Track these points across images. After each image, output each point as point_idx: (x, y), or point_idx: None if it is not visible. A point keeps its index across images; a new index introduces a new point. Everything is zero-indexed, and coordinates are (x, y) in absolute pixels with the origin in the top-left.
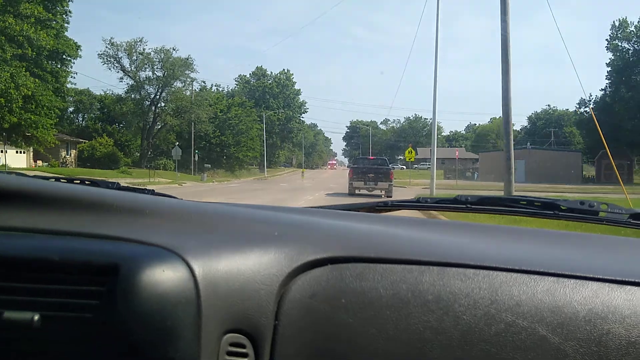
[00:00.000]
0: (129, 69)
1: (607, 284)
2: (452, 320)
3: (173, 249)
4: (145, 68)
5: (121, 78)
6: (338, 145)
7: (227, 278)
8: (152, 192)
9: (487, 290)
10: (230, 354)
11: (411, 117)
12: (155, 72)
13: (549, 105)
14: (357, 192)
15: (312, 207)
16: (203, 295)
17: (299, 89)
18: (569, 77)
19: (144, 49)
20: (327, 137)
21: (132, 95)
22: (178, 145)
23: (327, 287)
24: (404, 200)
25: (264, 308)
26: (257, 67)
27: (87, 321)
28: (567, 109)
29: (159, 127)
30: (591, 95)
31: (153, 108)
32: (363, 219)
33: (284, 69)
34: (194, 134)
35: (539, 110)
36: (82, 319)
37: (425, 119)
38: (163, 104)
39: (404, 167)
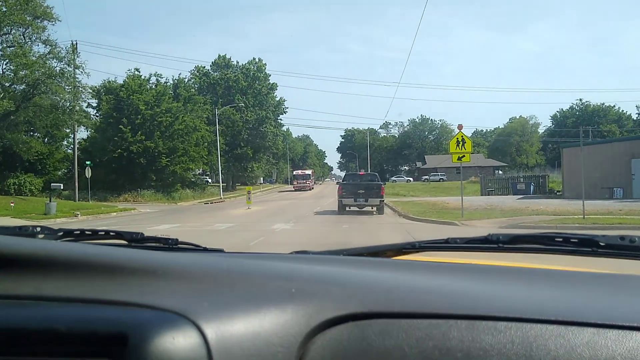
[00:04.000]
0: None
1: None
2: None
3: (184, 313)
4: None
5: None
6: (334, 157)
7: (242, 342)
8: (175, 242)
9: (521, 345)
10: None
11: (417, 119)
12: None
13: (580, 100)
14: (347, 209)
15: (334, 253)
16: None
17: (274, 83)
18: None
19: None
20: (321, 150)
21: None
22: None
23: (348, 347)
24: (432, 241)
25: None
26: (220, 55)
27: None
28: (604, 103)
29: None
30: None
31: None
32: (386, 266)
33: (254, 58)
34: (75, 135)
35: (565, 107)
36: None
37: (434, 120)
38: None
39: (410, 179)
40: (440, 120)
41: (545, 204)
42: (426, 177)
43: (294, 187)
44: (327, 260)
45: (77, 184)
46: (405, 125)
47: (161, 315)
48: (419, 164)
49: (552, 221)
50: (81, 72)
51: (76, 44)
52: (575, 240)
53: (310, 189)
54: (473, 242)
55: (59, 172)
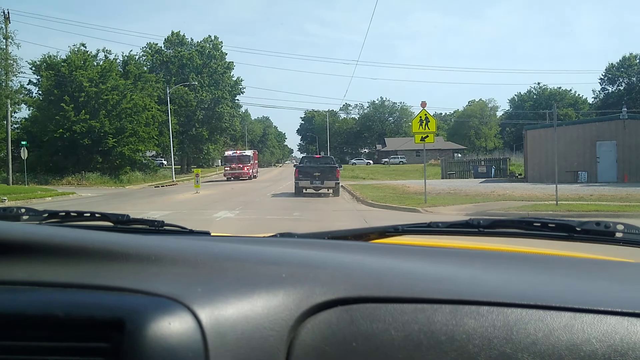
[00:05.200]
0: None
1: (626, 317)
2: None
3: (179, 298)
4: None
5: None
6: (294, 140)
7: (235, 326)
8: (161, 224)
9: (502, 329)
10: None
11: (377, 101)
12: None
13: (537, 83)
14: (304, 191)
15: (318, 236)
16: (211, 346)
17: (231, 62)
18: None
19: None
20: (281, 132)
21: None
22: None
23: (337, 331)
24: (415, 225)
25: (274, 355)
26: (173, 32)
27: None
28: (560, 87)
29: None
30: None
31: None
32: (372, 250)
33: (209, 36)
34: (8, 113)
35: (523, 92)
36: None
37: (394, 103)
38: None
39: (370, 161)
40: (401, 103)
41: (510, 189)
42: (386, 159)
43: (224, 175)
44: (313, 244)
45: (10, 166)
46: (365, 107)
47: (156, 300)
48: (379, 147)
49: (523, 207)
50: (11, 42)
51: (8, 13)
52: (553, 225)
53: (251, 177)
54: (454, 226)
55: (0, 154)
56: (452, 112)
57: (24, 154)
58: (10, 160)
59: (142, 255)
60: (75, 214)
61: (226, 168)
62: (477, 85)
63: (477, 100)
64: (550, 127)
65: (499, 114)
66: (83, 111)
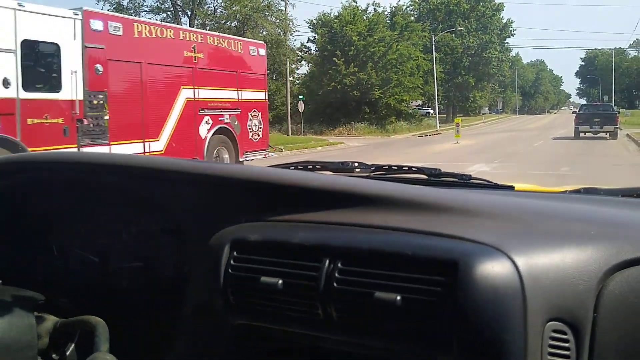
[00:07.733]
0: None
1: None
2: None
3: (499, 247)
4: None
5: None
6: (572, 83)
7: (547, 273)
8: (469, 178)
9: None
10: (553, 339)
11: None
12: None
13: None
14: (581, 135)
15: (627, 194)
16: (527, 287)
17: (501, 4)
18: None
19: None
20: (557, 76)
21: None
22: None
23: None
24: None
25: (583, 301)
26: None
27: (434, 304)
28: None
29: None
30: None
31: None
32: None
33: None
34: (287, 69)
35: None
36: (430, 302)
37: None
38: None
39: None
40: None
41: None
42: None
43: None
44: (622, 202)
45: (289, 118)
46: None
47: (481, 247)
48: None
49: None
50: (288, 3)
51: None
52: None
53: None
54: None
55: (283, 107)
56: None
57: (301, 107)
58: (290, 113)
59: (465, 209)
60: (396, 168)
61: None
62: None
63: None
64: None
65: None
66: (352, 64)
